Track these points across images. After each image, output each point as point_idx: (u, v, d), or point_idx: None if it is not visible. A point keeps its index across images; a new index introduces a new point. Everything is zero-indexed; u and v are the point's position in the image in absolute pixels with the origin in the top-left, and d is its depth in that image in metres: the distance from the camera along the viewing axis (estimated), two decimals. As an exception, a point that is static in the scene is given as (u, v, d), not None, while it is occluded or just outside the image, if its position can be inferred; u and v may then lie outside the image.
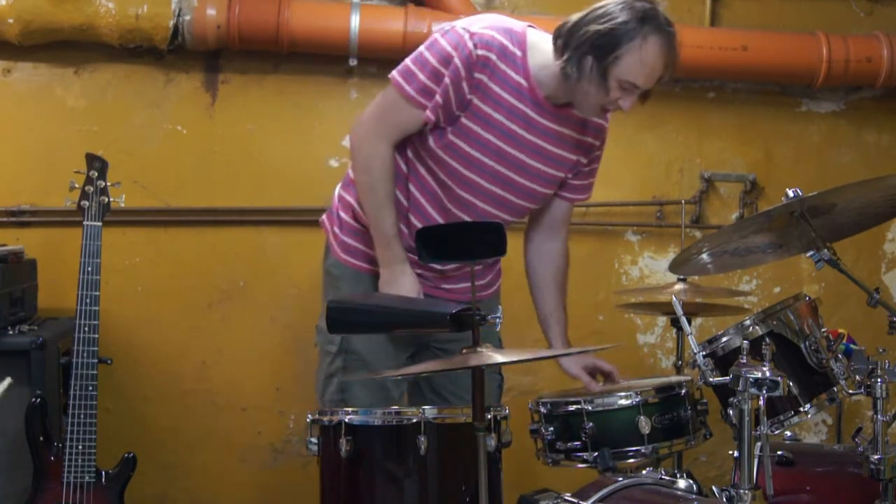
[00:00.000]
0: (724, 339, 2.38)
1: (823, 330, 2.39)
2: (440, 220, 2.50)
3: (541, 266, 2.73)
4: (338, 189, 2.67)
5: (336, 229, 2.61)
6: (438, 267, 2.56)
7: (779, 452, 2.40)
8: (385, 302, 2.38)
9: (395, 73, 2.40)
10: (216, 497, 3.52)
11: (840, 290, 3.69)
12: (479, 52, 2.31)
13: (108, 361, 2.98)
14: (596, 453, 2.41)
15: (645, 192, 3.74)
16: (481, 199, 2.49)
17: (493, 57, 2.33)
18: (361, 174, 2.47)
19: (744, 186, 3.75)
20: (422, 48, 2.39)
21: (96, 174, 2.88)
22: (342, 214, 2.61)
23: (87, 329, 2.79)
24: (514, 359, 2.10)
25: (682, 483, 2.21)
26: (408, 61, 2.39)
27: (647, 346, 3.78)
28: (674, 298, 2.34)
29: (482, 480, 1.91)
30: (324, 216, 2.69)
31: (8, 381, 2.06)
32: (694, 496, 2.11)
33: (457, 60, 2.31)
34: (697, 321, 3.68)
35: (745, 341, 2.07)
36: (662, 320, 3.75)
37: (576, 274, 3.70)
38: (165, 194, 3.49)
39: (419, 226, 2.49)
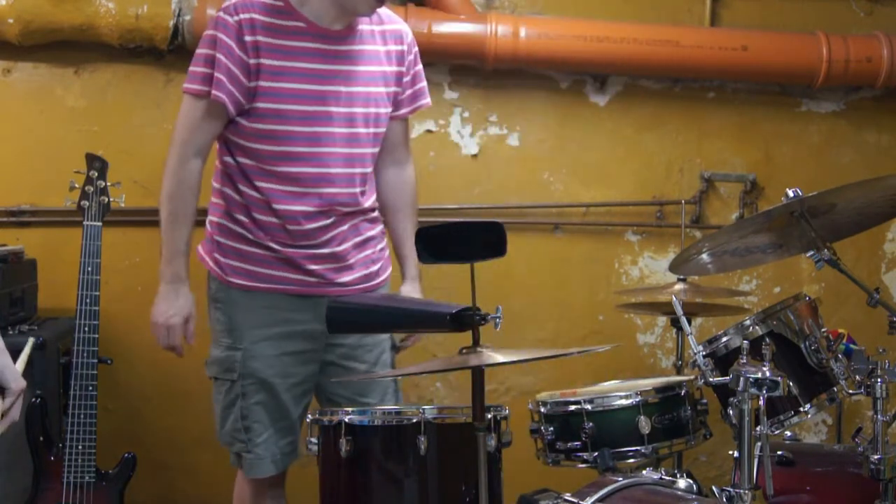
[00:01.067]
0: (724, 339, 2.38)
1: (823, 330, 2.39)
2: (302, 190, 2.45)
3: (392, 195, 2.69)
4: (209, 217, 2.62)
5: (217, 255, 2.56)
6: (327, 251, 2.50)
7: (779, 452, 2.40)
8: (384, 302, 2.38)
9: (184, 84, 2.43)
10: (216, 497, 3.51)
11: (840, 290, 3.69)
12: (240, 16, 2.35)
13: (108, 361, 2.98)
14: (596, 453, 2.41)
15: (645, 192, 3.73)
16: (332, 145, 2.45)
17: (258, 16, 2.37)
18: (166, 184, 2.47)
19: (744, 186, 3.75)
20: (197, 49, 2.43)
21: (96, 174, 2.88)
22: (220, 239, 2.56)
23: (87, 329, 2.79)
24: (514, 359, 2.10)
25: (682, 483, 2.21)
26: (190, 67, 2.43)
27: (647, 346, 3.78)
28: (674, 298, 2.35)
29: (482, 480, 1.92)
30: (199, 247, 2.63)
31: (31, 341, 2.09)
32: (694, 496, 2.12)
33: (221, 36, 2.35)
34: (697, 321, 3.68)
35: (745, 341, 2.07)
36: (662, 320, 3.74)
37: (576, 274, 3.73)
38: (165, 194, 3.48)
39: (287, 208, 2.45)
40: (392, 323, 2.15)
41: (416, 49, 2.64)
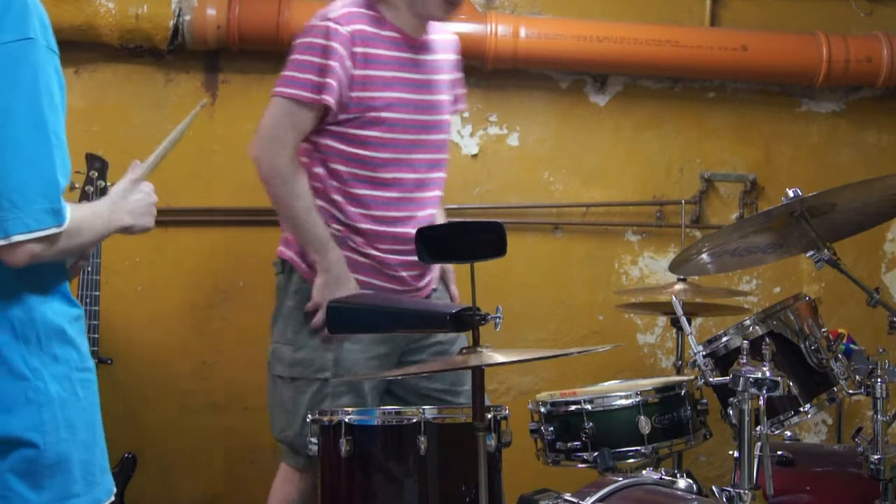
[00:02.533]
0: (724, 339, 2.38)
1: (823, 330, 2.39)
2: (402, 195, 2.54)
3: None
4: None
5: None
6: (414, 258, 2.53)
7: (779, 452, 2.40)
8: (385, 302, 2.38)
9: (279, 88, 2.45)
10: (216, 497, 3.52)
11: (840, 290, 3.68)
12: (352, 27, 2.44)
13: (109, 361, 2.98)
14: (596, 453, 2.41)
15: (645, 192, 3.73)
16: (427, 151, 2.58)
17: (365, 27, 2.47)
18: (281, 187, 2.47)
19: (744, 186, 3.75)
20: (295, 56, 2.47)
21: (96, 174, 2.88)
22: None
23: (87, 329, 2.79)
24: (514, 359, 2.10)
25: (682, 483, 2.21)
26: (287, 72, 2.46)
27: (647, 346, 3.78)
28: (674, 298, 2.35)
29: (482, 480, 1.91)
30: (281, 248, 2.64)
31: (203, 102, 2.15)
32: (694, 496, 2.12)
33: (335, 45, 2.41)
34: (697, 321, 3.68)
35: (745, 341, 2.08)
36: (662, 320, 3.74)
37: (576, 274, 3.73)
38: (165, 194, 3.45)
39: (388, 214, 2.53)
40: (392, 323, 2.15)
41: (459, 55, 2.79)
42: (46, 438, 1.58)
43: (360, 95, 2.45)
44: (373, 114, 2.48)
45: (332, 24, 2.43)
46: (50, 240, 1.53)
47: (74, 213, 1.59)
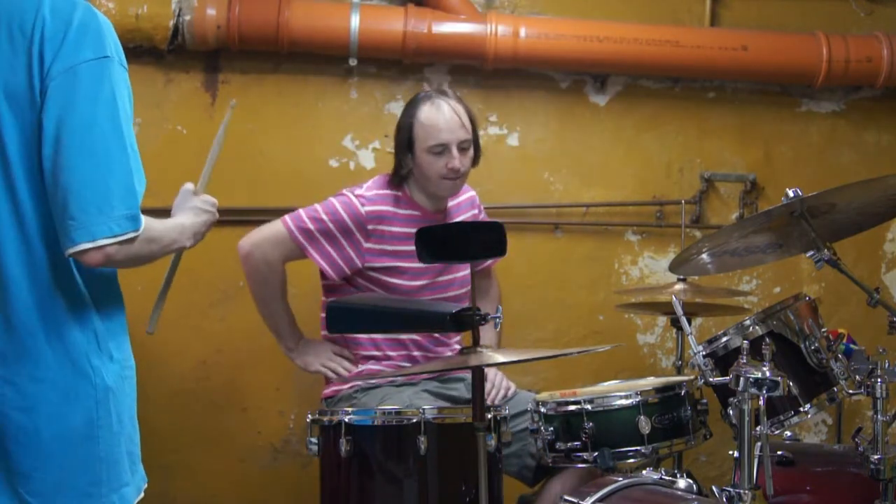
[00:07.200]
0: (724, 339, 2.38)
1: (823, 330, 2.39)
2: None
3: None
4: None
5: None
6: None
7: (779, 452, 2.40)
8: (384, 302, 2.38)
9: (286, 216, 2.81)
10: (216, 497, 3.52)
11: (840, 290, 3.68)
12: (370, 208, 2.75)
13: (109, 361, 2.98)
14: (596, 453, 2.41)
15: (645, 192, 3.73)
16: (428, 294, 2.84)
17: (386, 207, 2.78)
18: (259, 285, 2.88)
19: (744, 186, 3.75)
20: (315, 204, 2.81)
21: (96, 174, 2.88)
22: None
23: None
24: (514, 359, 2.10)
25: (682, 483, 2.21)
26: (301, 210, 2.81)
27: (647, 346, 3.78)
28: (674, 298, 2.35)
29: (482, 480, 1.92)
30: None
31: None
32: (694, 496, 2.12)
33: (346, 218, 2.74)
34: (697, 321, 3.68)
35: (745, 341, 2.07)
36: (662, 320, 3.74)
37: (576, 274, 3.73)
38: (165, 194, 3.47)
39: (396, 354, 2.82)
40: (392, 323, 2.15)
41: (481, 205, 3.08)
42: (101, 433, 1.74)
43: (371, 265, 2.76)
44: (384, 277, 2.77)
45: (354, 201, 2.76)
46: (126, 243, 1.74)
47: (151, 223, 1.80)
